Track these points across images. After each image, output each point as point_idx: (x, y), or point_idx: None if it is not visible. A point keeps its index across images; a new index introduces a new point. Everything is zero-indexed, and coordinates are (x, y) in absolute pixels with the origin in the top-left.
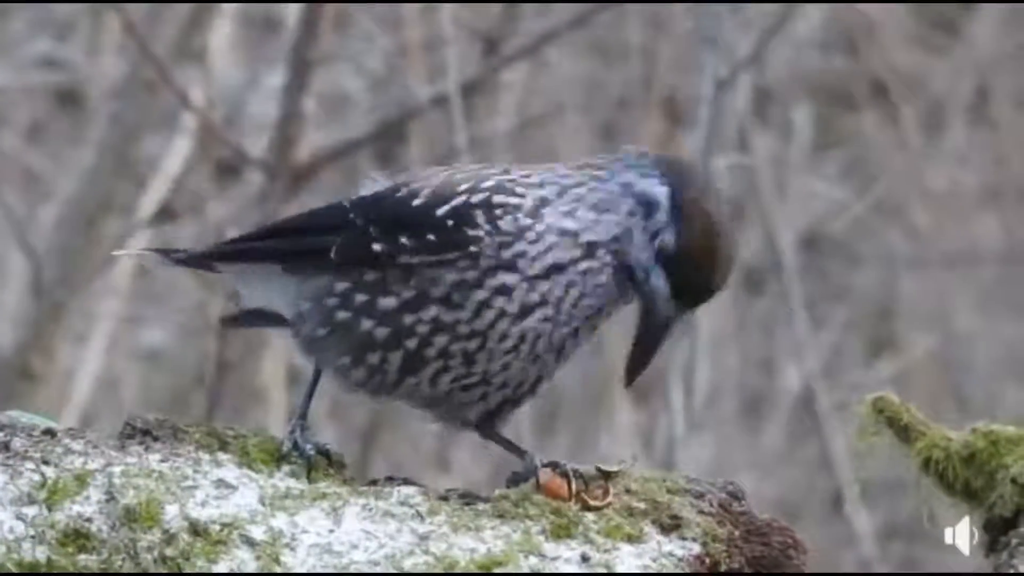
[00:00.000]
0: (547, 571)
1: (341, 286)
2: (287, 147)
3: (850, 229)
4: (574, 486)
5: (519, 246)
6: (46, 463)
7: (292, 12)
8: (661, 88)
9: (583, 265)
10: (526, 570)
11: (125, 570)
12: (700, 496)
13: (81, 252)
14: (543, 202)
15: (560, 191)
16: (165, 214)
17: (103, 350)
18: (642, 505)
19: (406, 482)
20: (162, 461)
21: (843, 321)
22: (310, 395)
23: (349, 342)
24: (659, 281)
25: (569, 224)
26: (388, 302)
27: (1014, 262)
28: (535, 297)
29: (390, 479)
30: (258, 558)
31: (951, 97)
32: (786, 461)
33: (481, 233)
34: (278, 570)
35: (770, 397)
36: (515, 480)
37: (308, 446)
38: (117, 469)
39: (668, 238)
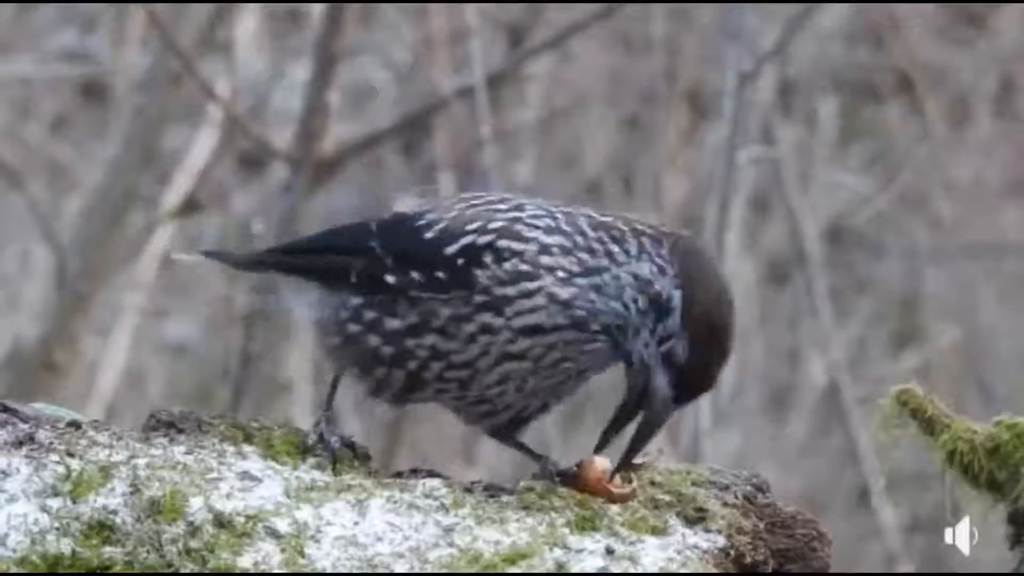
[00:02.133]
0: (572, 563)
1: (354, 301)
2: (311, 139)
3: (874, 221)
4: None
5: (510, 290)
6: (71, 455)
7: (317, 5)
8: (686, 81)
9: (568, 335)
10: (550, 562)
11: (150, 562)
12: (725, 488)
13: (105, 244)
14: (545, 251)
15: (566, 249)
16: (189, 206)
17: (127, 342)
18: (667, 497)
19: (431, 474)
20: (187, 453)
21: (867, 313)
22: (334, 387)
23: (358, 355)
24: (662, 382)
25: (562, 294)
26: (394, 324)
27: None
28: (514, 349)
29: (415, 471)
30: (283, 550)
31: (975, 89)
32: (811, 453)
33: (487, 274)
34: (303, 562)
35: (795, 389)
36: (542, 477)
37: (333, 438)
38: (142, 461)
39: (679, 349)
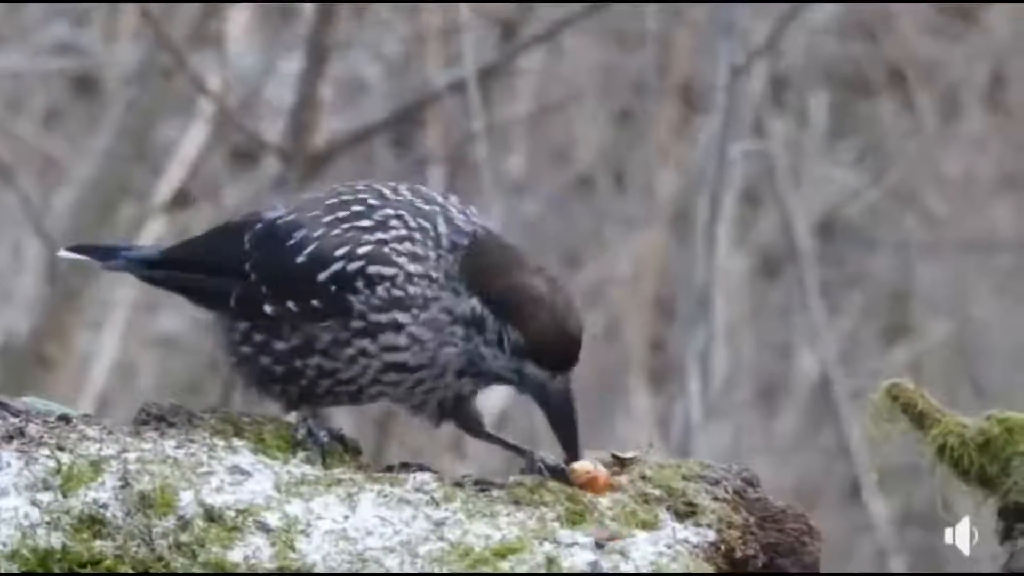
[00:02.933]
0: (562, 557)
1: (242, 325)
2: (303, 133)
3: (866, 215)
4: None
5: (383, 317)
6: (61, 449)
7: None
8: (677, 75)
9: (434, 372)
10: (541, 556)
11: (140, 556)
12: (715, 483)
13: (97, 237)
14: (410, 280)
15: (423, 281)
16: (181, 199)
17: (118, 336)
18: (657, 491)
19: (421, 468)
20: (177, 447)
21: (859, 307)
22: None
23: (253, 374)
24: (533, 370)
25: (423, 334)
26: (280, 345)
27: None
28: (386, 378)
29: (405, 465)
30: (273, 544)
31: (967, 84)
32: (802, 447)
33: (360, 299)
34: (293, 556)
35: (786, 383)
36: (530, 471)
37: (321, 433)
38: (132, 455)
39: (513, 336)
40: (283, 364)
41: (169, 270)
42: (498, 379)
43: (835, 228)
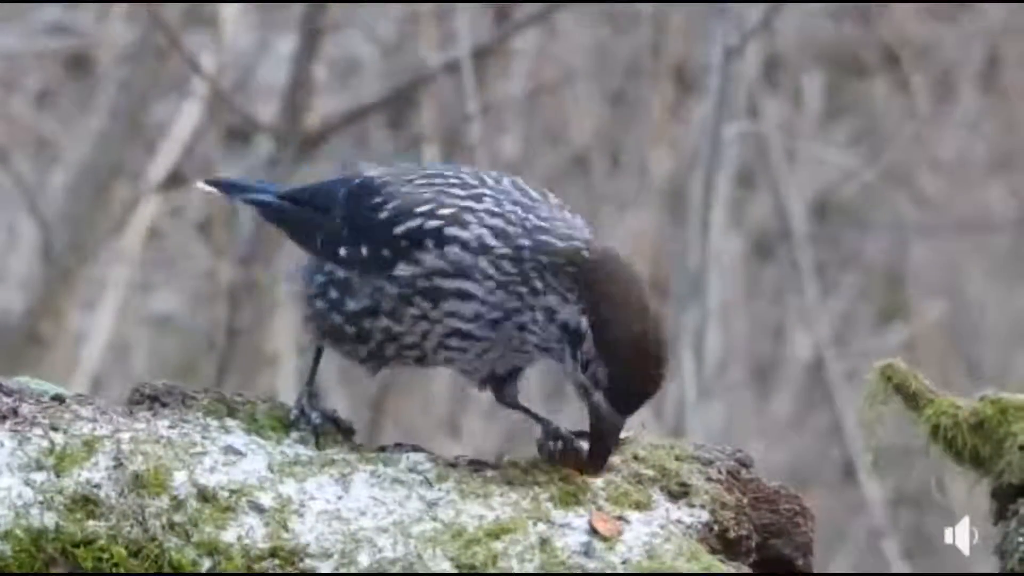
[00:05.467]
0: (555, 538)
1: (320, 278)
2: (297, 113)
3: (860, 196)
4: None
5: (447, 284)
6: (55, 429)
7: None
8: (672, 56)
9: (499, 346)
10: (534, 537)
11: (133, 536)
12: (709, 463)
13: (91, 218)
14: (485, 251)
15: (498, 268)
16: (175, 180)
17: (113, 316)
18: (650, 472)
19: (415, 449)
20: (170, 427)
21: (853, 288)
22: (316, 362)
23: (325, 329)
24: (599, 399)
25: (491, 314)
26: (352, 304)
27: None
28: (451, 343)
29: (399, 446)
30: (266, 524)
31: (961, 65)
32: (796, 428)
33: (428, 257)
34: (286, 536)
35: (780, 364)
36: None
37: (315, 413)
38: (125, 435)
39: (600, 373)
40: (353, 324)
41: (281, 208)
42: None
43: (829, 209)
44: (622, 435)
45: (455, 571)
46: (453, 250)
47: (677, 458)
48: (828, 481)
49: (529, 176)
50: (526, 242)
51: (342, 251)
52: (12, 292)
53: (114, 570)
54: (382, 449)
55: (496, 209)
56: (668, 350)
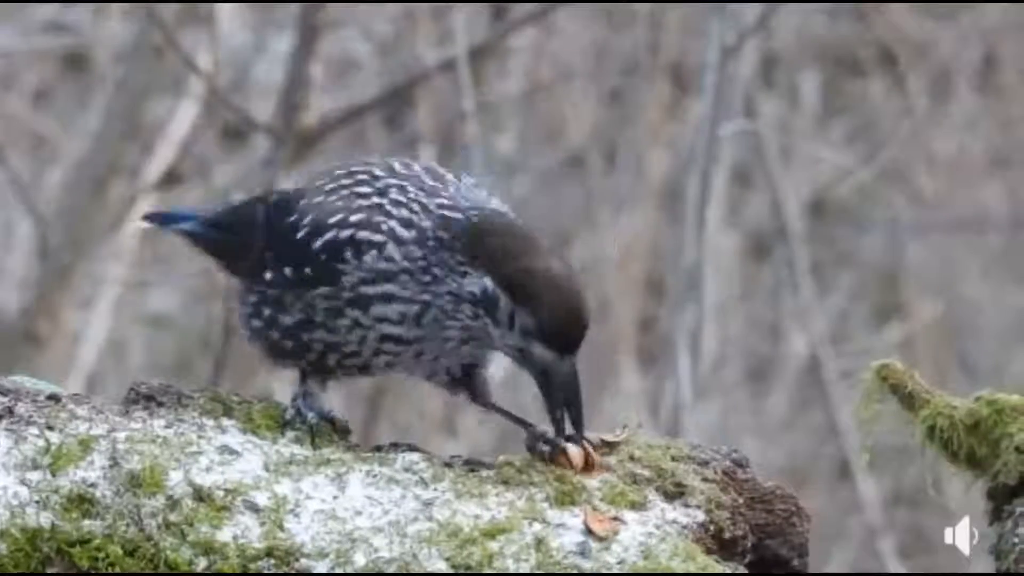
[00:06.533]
0: (551, 538)
1: (252, 298)
2: (294, 112)
3: (856, 195)
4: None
5: (370, 290)
6: (50, 428)
7: None
8: (668, 54)
9: (432, 344)
10: (530, 537)
11: (129, 535)
12: (704, 463)
13: (87, 216)
14: (402, 248)
15: (410, 260)
16: (171, 178)
17: (109, 314)
18: (646, 472)
19: (411, 448)
20: (166, 427)
21: (849, 287)
22: None
23: (266, 347)
24: (540, 351)
25: (408, 312)
26: (286, 319)
27: (1020, 229)
28: (387, 347)
29: (395, 445)
30: (262, 524)
31: (958, 63)
32: (792, 427)
33: (349, 268)
34: (282, 536)
35: (776, 363)
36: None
37: (311, 413)
38: (121, 435)
39: (526, 321)
40: (291, 339)
41: (206, 236)
42: (502, 354)
43: (825, 208)
44: (615, 437)
45: (451, 571)
46: (371, 254)
47: (673, 458)
48: (824, 480)
49: (526, 175)
50: (427, 223)
51: (267, 275)
52: (8, 290)
53: (110, 569)
54: (378, 449)
55: (401, 199)
56: (580, 280)
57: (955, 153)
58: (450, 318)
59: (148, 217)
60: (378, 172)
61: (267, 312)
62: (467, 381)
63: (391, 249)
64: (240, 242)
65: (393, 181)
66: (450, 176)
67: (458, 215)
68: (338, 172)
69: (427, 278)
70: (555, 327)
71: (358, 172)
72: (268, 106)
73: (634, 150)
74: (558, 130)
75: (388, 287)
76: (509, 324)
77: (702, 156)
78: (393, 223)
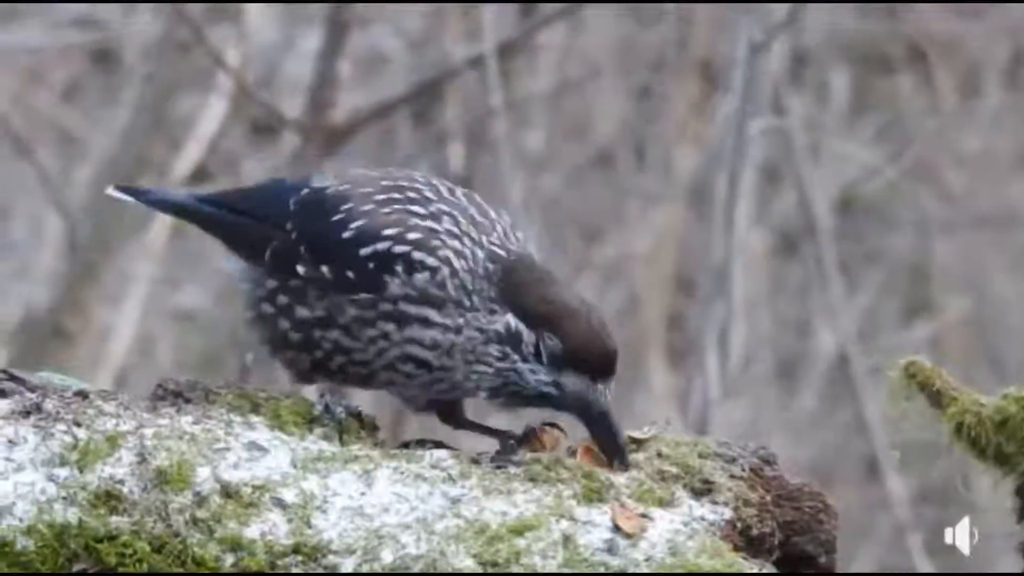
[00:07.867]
0: (578, 535)
1: (270, 283)
2: (322, 108)
3: (885, 192)
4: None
5: (412, 309)
6: (78, 425)
7: None
8: (697, 51)
9: (455, 376)
10: (557, 534)
11: (156, 532)
12: (732, 460)
13: (116, 212)
14: (454, 278)
15: (457, 292)
16: (200, 174)
17: (137, 310)
18: (674, 469)
19: (438, 445)
20: (194, 423)
21: (877, 284)
22: None
23: (270, 334)
24: (570, 381)
25: (442, 341)
26: (304, 312)
27: None
28: (405, 368)
29: (422, 442)
30: (289, 520)
31: (987, 60)
32: (820, 424)
33: (396, 283)
34: (309, 532)
35: (805, 360)
36: (504, 455)
37: (339, 409)
38: (149, 431)
39: (551, 343)
40: (301, 332)
41: (215, 209)
42: (539, 398)
43: (854, 205)
44: (643, 435)
45: (478, 568)
46: (423, 275)
47: (700, 455)
48: (852, 477)
49: (554, 171)
50: (479, 260)
51: (300, 268)
52: (37, 286)
53: (137, 566)
54: (405, 445)
55: (455, 230)
56: (599, 311)
57: (983, 150)
58: (479, 361)
59: (122, 188)
60: (428, 194)
61: (283, 300)
62: (439, 403)
63: (444, 276)
64: (264, 228)
65: (445, 208)
66: (493, 214)
67: (504, 254)
68: (384, 183)
69: (468, 315)
70: (584, 349)
71: (406, 188)
72: (297, 102)
73: (662, 147)
74: (586, 127)
75: (429, 312)
76: (536, 355)
77: (731, 153)
78: (449, 252)
